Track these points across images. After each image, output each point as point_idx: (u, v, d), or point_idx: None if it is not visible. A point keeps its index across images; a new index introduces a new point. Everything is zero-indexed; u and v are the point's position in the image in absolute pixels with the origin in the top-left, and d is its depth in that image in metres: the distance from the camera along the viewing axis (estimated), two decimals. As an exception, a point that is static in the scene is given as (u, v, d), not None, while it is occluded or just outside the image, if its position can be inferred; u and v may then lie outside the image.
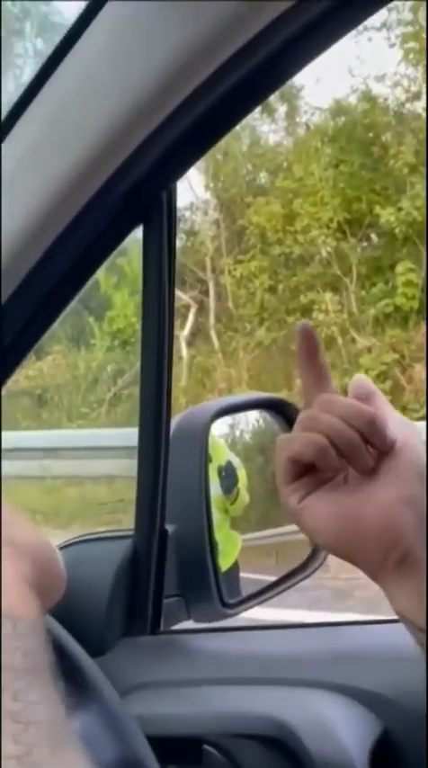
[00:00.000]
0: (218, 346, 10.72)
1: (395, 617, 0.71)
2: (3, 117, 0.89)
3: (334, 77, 11.31)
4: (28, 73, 11.14)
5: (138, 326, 1.12)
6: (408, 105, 10.25)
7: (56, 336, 9.83)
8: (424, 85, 9.85)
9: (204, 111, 0.85)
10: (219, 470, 1.30)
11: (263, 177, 11.44)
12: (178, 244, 1.09)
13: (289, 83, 0.90)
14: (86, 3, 0.80)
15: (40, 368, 10.26)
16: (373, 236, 10.35)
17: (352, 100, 10.59)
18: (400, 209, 9.61)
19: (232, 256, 10.86)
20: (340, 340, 9.77)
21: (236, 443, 1.39)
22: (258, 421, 1.42)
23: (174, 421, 1.18)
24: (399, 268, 9.59)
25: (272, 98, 9.52)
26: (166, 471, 1.13)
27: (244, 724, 1.04)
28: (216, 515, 1.23)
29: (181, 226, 10.52)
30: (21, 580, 0.57)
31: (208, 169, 10.89)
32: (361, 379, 0.77)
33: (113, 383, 10.28)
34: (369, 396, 0.74)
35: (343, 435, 0.69)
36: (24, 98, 0.86)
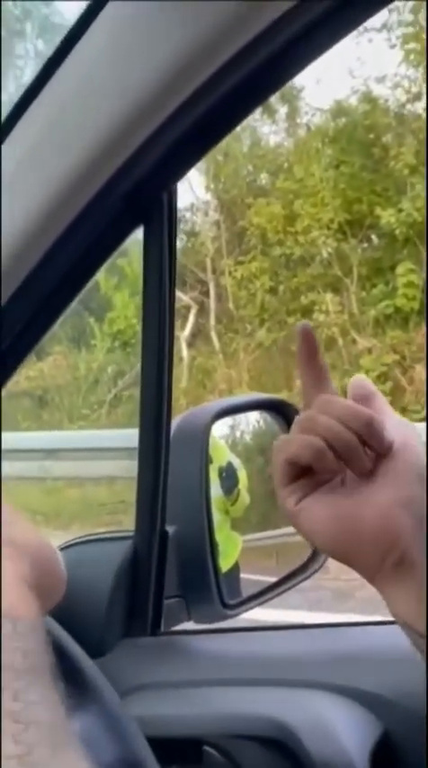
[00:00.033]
0: (218, 347, 10.72)
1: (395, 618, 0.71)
2: (3, 118, 0.89)
3: (334, 78, 11.32)
4: (29, 74, 11.14)
5: (139, 327, 1.12)
6: (409, 106, 10.25)
7: (56, 337, 9.83)
8: (425, 86, 9.86)
9: (205, 112, 0.85)
10: (220, 471, 1.30)
11: (263, 178, 11.44)
12: (178, 245, 1.09)
13: (289, 84, 0.90)
14: (87, 4, 0.80)
15: (41, 369, 10.26)
16: (374, 237, 10.35)
17: (353, 101, 10.60)
18: (401, 211, 9.61)
19: (233, 257, 10.86)
20: (340, 341, 9.77)
21: (237, 444, 1.39)
22: (259, 422, 1.42)
23: (175, 422, 1.18)
24: (400, 269, 9.59)
25: (273, 99, 9.52)
26: (167, 472, 1.13)
27: (244, 725, 1.04)
28: (216, 516, 1.23)
29: (181, 227, 10.52)
30: (20, 580, 0.57)
31: (208, 170, 10.89)
32: (361, 380, 0.77)
33: (114, 384, 10.28)
34: (368, 396, 0.74)
35: (341, 437, 0.69)
36: (25, 99, 0.86)
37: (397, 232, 9.61)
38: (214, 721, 1.06)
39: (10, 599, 0.54)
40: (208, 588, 1.19)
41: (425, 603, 0.67)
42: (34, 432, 9.28)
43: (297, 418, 0.73)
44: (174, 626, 1.20)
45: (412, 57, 9.98)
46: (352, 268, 9.99)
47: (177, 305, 1.10)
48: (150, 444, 1.12)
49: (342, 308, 9.96)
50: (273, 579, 1.32)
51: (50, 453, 7.77)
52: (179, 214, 1.09)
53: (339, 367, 9.59)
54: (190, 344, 10.73)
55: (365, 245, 10.36)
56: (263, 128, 11.31)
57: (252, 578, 1.36)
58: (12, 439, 7.51)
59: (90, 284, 1.02)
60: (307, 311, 10.05)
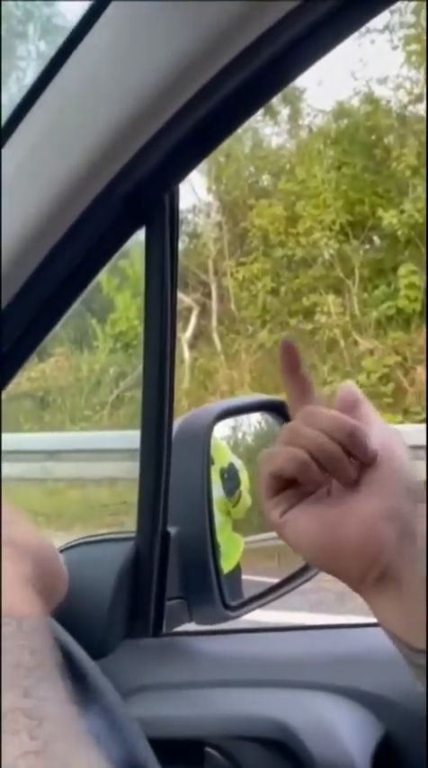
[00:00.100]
0: (220, 348, 10.72)
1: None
2: (5, 120, 0.89)
3: (336, 80, 11.31)
4: (31, 75, 11.15)
5: (140, 329, 1.12)
6: (411, 108, 10.25)
7: (58, 338, 9.84)
8: (426, 88, 9.86)
9: (207, 114, 0.85)
10: (222, 473, 1.30)
11: (265, 179, 11.45)
12: (180, 246, 1.09)
13: (291, 85, 0.90)
14: (89, 5, 0.80)
15: (43, 370, 10.26)
16: (376, 238, 10.35)
17: (355, 102, 10.60)
18: (402, 212, 9.61)
19: (234, 259, 10.86)
20: (342, 342, 9.77)
21: (239, 445, 1.39)
22: (260, 423, 1.42)
23: (177, 423, 1.18)
24: (402, 270, 9.59)
25: (275, 100, 9.53)
26: (169, 473, 1.13)
27: (246, 726, 1.04)
28: (218, 518, 1.23)
29: (183, 228, 10.52)
30: (23, 580, 0.57)
31: (210, 171, 10.89)
32: (349, 386, 0.76)
33: (116, 385, 10.28)
34: (354, 403, 0.74)
35: (325, 449, 0.69)
36: (27, 100, 0.86)
37: (399, 233, 9.61)
38: (216, 722, 1.06)
39: (14, 598, 0.55)
40: (209, 589, 1.19)
41: (426, 616, 0.67)
42: (36, 433, 9.29)
43: (281, 430, 0.73)
44: (176, 627, 1.20)
45: (414, 58, 9.98)
46: (354, 269, 9.99)
47: (179, 306, 1.10)
48: (152, 445, 1.12)
49: (343, 309, 9.96)
50: (275, 581, 1.32)
51: (52, 454, 7.78)
52: (181, 215, 1.09)
53: (341, 368, 9.59)
54: (191, 346, 10.73)
55: (367, 246, 10.36)
56: (265, 129, 11.33)
57: (253, 580, 1.36)
58: (13, 440, 7.52)
59: (92, 285, 1.02)
60: (308, 312, 10.06)
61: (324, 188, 10.21)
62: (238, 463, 1.34)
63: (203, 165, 9.87)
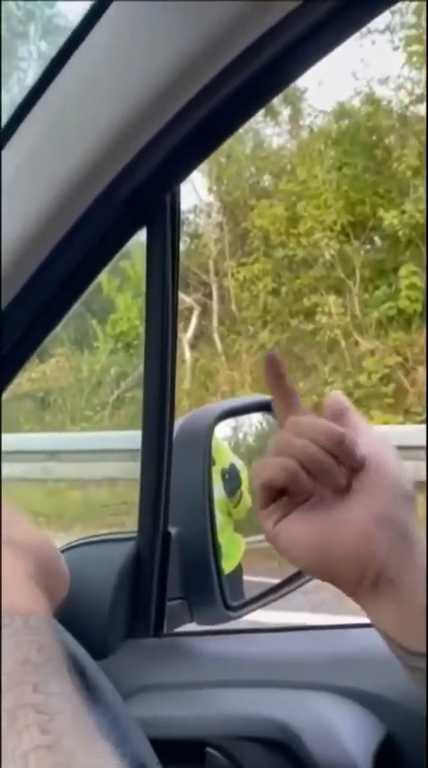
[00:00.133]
0: (221, 349, 10.72)
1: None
2: (6, 120, 0.89)
3: (337, 80, 11.32)
4: (32, 76, 11.16)
5: (142, 329, 1.12)
6: (412, 108, 10.25)
7: (59, 339, 9.84)
8: (426, 89, 9.86)
9: (208, 114, 0.85)
10: (223, 473, 1.30)
11: (266, 180, 11.45)
12: (181, 247, 1.09)
13: (292, 86, 0.90)
14: (90, 5, 0.80)
15: (44, 370, 10.27)
16: (376, 239, 10.35)
17: (356, 103, 10.61)
18: (403, 212, 9.61)
19: (235, 259, 10.86)
20: (343, 343, 9.77)
21: (240, 446, 1.39)
22: (261, 423, 1.42)
23: (178, 423, 1.18)
24: (403, 271, 9.59)
25: (276, 101, 9.53)
26: (169, 474, 1.13)
27: (247, 727, 1.04)
28: (219, 518, 1.23)
29: (184, 228, 10.53)
30: (27, 578, 0.58)
31: (211, 172, 10.90)
32: (336, 395, 0.77)
33: (116, 386, 10.28)
34: (342, 411, 0.75)
35: (314, 457, 0.70)
36: (28, 101, 0.86)
37: (400, 234, 9.61)
38: (217, 723, 1.06)
39: (19, 595, 0.56)
40: (210, 590, 1.19)
41: (426, 621, 0.67)
42: (37, 433, 9.29)
43: (270, 442, 0.74)
44: (177, 627, 1.20)
45: (415, 59, 9.98)
46: (355, 270, 9.99)
47: (180, 307, 1.10)
48: (153, 446, 1.12)
49: (344, 309, 9.96)
50: (276, 581, 1.32)
51: (53, 455, 7.78)
52: (182, 216, 1.09)
53: (342, 369, 9.59)
54: (192, 346, 10.73)
55: (368, 246, 10.37)
56: (266, 130, 11.34)
57: (254, 580, 1.36)
58: (14, 440, 7.52)
59: (93, 286, 1.02)
60: (309, 313, 10.06)
61: (325, 188, 10.22)
62: (239, 464, 1.34)
63: (204, 166, 9.87)
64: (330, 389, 9.26)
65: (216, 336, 10.82)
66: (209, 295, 11.02)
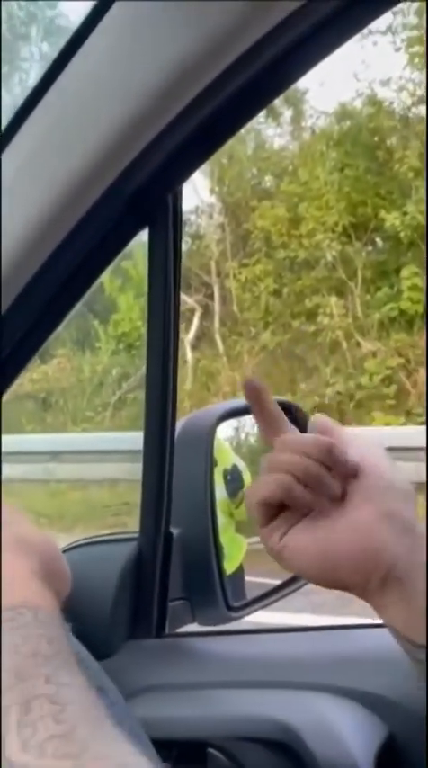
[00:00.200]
0: (222, 350, 10.72)
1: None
2: (8, 121, 0.89)
3: (338, 81, 11.29)
4: (34, 76, 11.16)
5: (143, 330, 1.13)
6: (414, 109, 10.25)
7: (61, 340, 9.85)
8: (426, 90, 9.85)
9: (210, 114, 0.85)
10: (225, 474, 1.30)
11: (268, 181, 11.45)
12: (183, 247, 1.09)
13: (293, 87, 0.90)
14: (92, 5, 0.80)
15: (45, 371, 10.27)
16: (378, 240, 10.35)
17: (358, 104, 10.60)
18: (405, 214, 9.61)
19: (237, 260, 10.86)
20: (345, 344, 9.76)
21: (241, 446, 1.39)
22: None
23: (180, 424, 1.18)
24: (404, 272, 9.59)
25: (277, 102, 9.53)
26: (171, 474, 1.13)
27: (248, 727, 1.04)
28: (221, 519, 1.23)
29: (186, 229, 10.53)
30: (33, 574, 0.59)
31: (213, 173, 10.89)
32: (320, 417, 0.78)
33: (118, 387, 10.28)
34: (329, 429, 0.76)
35: (306, 469, 0.71)
36: (29, 102, 0.86)
37: (402, 235, 9.61)
38: (219, 723, 1.06)
39: (27, 591, 0.57)
40: (212, 590, 1.19)
41: (426, 613, 0.67)
42: (38, 434, 9.29)
43: (261, 462, 0.75)
44: (179, 628, 1.20)
45: (416, 60, 9.98)
46: (357, 271, 9.99)
47: (181, 308, 1.10)
48: (155, 446, 1.12)
49: (346, 311, 9.96)
50: (277, 582, 1.32)
51: (54, 456, 7.78)
52: (183, 217, 1.09)
53: (343, 370, 9.59)
54: (194, 347, 10.73)
55: (369, 248, 10.37)
56: (268, 131, 11.34)
57: (256, 581, 1.36)
58: (16, 441, 7.52)
59: (94, 286, 1.02)
60: (311, 314, 10.06)
61: (326, 190, 10.21)
62: (241, 464, 1.34)
63: (206, 167, 9.88)
64: (331, 391, 9.27)
65: (217, 337, 10.82)
66: (211, 296, 11.02)
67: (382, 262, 10.11)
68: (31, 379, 9.79)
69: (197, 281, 10.97)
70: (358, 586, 0.70)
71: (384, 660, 1.08)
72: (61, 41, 0.83)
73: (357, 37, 0.84)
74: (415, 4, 8.80)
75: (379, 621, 0.73)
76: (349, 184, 10.24)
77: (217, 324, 10.89)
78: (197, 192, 10.80)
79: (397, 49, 10.09)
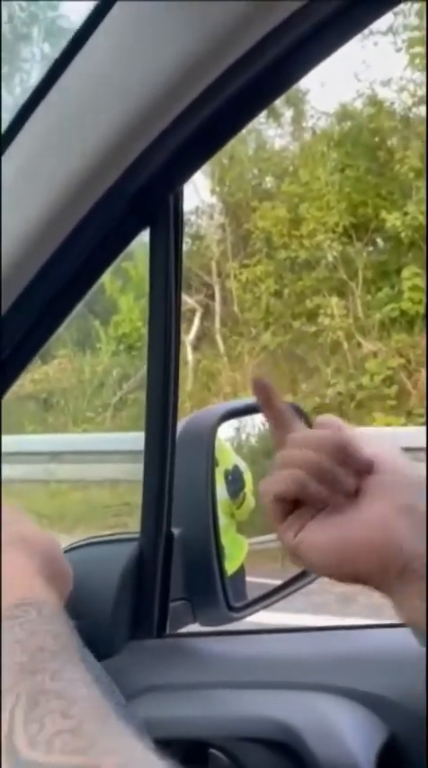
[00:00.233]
0: (223, 350, 10.72)
1: (399, 621, 0.71)
2: (9, 121, 0.89)
3: (339, 82, 11.29)
4: (35, 77, 11.17)
5: (144, 331, 1.13)
6: (414, 110, 10.25)
7: (61, 340, 9.85)
8: (426, 91, 9.85)
9: (211, 115, 0.85)
10: (226, 474, 1.30)
11: (268, 181, 11.45)
12: (184, 248, 1.09)
13: (294, 87, 0.90)
14: (93, 5, 0.80)
15: (46, 372, 10.27)
16: (379, 240, 10.35)
17: (358, 104, 10.61)
18: (406, 214, 9.61)
19: (238, 260, 10.86)
20: (346, 345, 9.77)
21: (242, 447, 1.39)
22: (264, 424, 1.42)
23: (181, 424, 1.18)
24: (405, 273, 9.59)
25: (278, 102, 9.53)
26: (173, 475, 1.13)
27: (250, 728, 1.04)
28: (222, 519, 1.23)
29: (186, 230, 10.53)
30: (37, 572, 0.59)
31: (213, 173, 10.90)
32: (326, 416, 0.78)
33: (119, 387, 10.29)
34: (337, 428, 0.75)
35: (320, 465, 0.71)
36: (31, 102, 0.86)
37: (403, 235, 9.61)
38: (220, 723, 1.06)
39: (31, 587, 0.58)
40: (213, 591, 1.19)
41: (427, 615, 0.67)
42: (39, 435, 9.30)
43: (274, 459, 0.75)
44: (180, 628, 1.20)
45: (417, 60, 9.98)
46: (358, 271, 9.99)
47: (182, 308, 1.11)
48: (156, 446, 1.12)
49: (347, 311, 9.96)
50: (278, 582, 1.32)
51: (55, 456, 7.79)
52: (184, 217, 1.09)
53: (344, 371, 9.59)
54: (195, 348, 10.74)
55: (370, 248, 10.37)
56: (269, 131, 11.34)
57: (257, 581, 1.36)
58: (17, 442, 7.53)
59: (95, 287, 1.02)
60: (312, 315, 10.06)
61: (327, 190, 10.22)
62: (242, 465, 1.34)
63: (206, 167, 9.88)
64: (332, 391, 9.26)
65: (218, 338, 10.83)
66: (212, 296, 11.02)
67: (383, 262, 10.11)
68: (32, 379, 9.80)
69: (198, 281, 10.97)
70: (375, 580, 0.70)
71: (385, 660, 1.08)
72: (62, 42, 0.83)
73: (358, 37, 0.84)
74: (416, 5, 8.81)
75: (380, 622, 0.73)
76: (350, 185, 10.24)
77: (217, 324, 10.89)
78: (198, 192, 10.82)
79: (398, 50, 10.10)
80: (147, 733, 0.81)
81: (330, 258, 10.20)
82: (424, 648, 0.70)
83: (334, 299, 9.96)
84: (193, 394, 9.90)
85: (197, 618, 1.22)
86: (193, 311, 10.75)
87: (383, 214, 9.83)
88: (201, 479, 1.19)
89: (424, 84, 9.97)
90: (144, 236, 1.03)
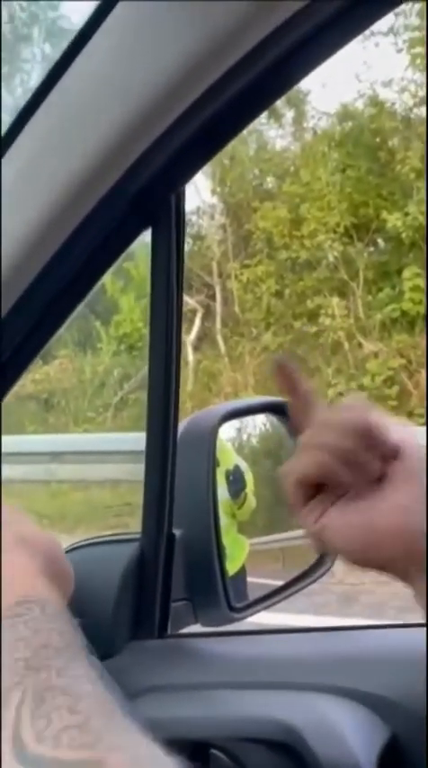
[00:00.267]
0: (224, 351, 10.72)
1: (400, 621, 0.71)
2: (10, 122, 0.89)
3: (340, 82, 11.27)
4: (35, 78, 11.18)
5: (145, 331, 1.13)
6: (415, 110, 10.25)
7: (62, 341, 9.85)
8: (426, 92, 9.86)
9: (213, 115, 0.85)
10: (227, 474, 1.31)
11: (269, 182, 11.45)
12: (185, 248, 1.09)
13: (295, 88, 0.90)
14: (94, 5, 0.80)
15: (47, 372, 10.27)
16: (380, 240, 10.35)
17: (359, 105, 10.60)
18: (407, 214, 9.61)
19: (238, 261, 10.86)
20: (346, 345, 9.76)
21: (243, 447, 1.39)
22: (265, 425, 1.42)
23: (182, 425, 1.18)
24: (406, 273, 9.58)
25: (279, 103, 9.53)
26: (174, 475, 1.13)
27: (251, 728, 1.04)
28: (223, 519, 1.23)
29: (187, 230, 10.51)
30: (39, 571, 0.59)
31: (214, 174, 10.89)
32: (353, 399, 0.77)
33: (120, 387, 10.29)
34: (364, 411, 0.74)
35: (345, 449, 0.69)
36: (32, 102, 0.86)
37: (404, 236, 9.61)
38: (221, 724, 1.06)
39: (34, 586, 0.58)
40: (214, 591, 1.19)
41: (426, 594, 0.67)
42: (40, 435, 9.30)
43: (298, 441, 0.73)
44: (181, 629, 1.20)
45: (418, 61, 9.98)
46: (359, 272, 9.99)
47: (183, 308, 1.10)
48: (157, 447, 1.12)
49: (348, 311, 9.96)
50: (280, 583, 1.32)
51: (56, 456, 7.78)
52: (185, 217, 1.09)
53: (345, 371, 9.59)
54: (196, 348, 10.74)
55: (371, 248, 10.36)
56: (270, 131, 11.34)
57: (258, 582, 1.36)
58: (17, 442, 7.53)
59: (96, 287, 1.02)
60: (312, 315, 10.06)
61: (328, 190, 10.21)
62: (244, 465, 1.34)
63: (207, 168, 9.88)
64: (333, 392, 9.26)
65: (219, 338, 10.83)
66: (213, 297, 11.02)
67: (384, 262, 10.11)
68: (33, 379, 9.80)
69: (198, 281, 10.97)
70: (399, 567, 0.69)
71: (386, 661, 1.08)
72: (63, 43, 0.83)
73: (359, 38, 0.84)
74: (417, 6, 8.81)
75: (381, 622, 0.73)
76: (351, 185, 10.24)
77: (218, 325, 10.89)
78: (199, 192, 10.81)
79: (399, 51, 10.10)
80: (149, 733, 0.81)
81: (331, 258, 10.20)
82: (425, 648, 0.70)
83: (335, 300, 9.96)
84: (194, 394, 9.90)
85: (198, 618, 1.22)
86: (194, 312, 10.75)
87: (384, 214, 9.83)
88: (203, 480, 1.19)
89: (424, 85, 9.97)
90: (144, 237, 1.03)
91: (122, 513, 6.53)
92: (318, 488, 0.72)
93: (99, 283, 1.02)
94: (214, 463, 1.20)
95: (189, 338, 10.45)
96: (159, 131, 0.84)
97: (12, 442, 6.91)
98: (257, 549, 1.37)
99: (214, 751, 1.04)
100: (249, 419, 1.40)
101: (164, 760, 0.46)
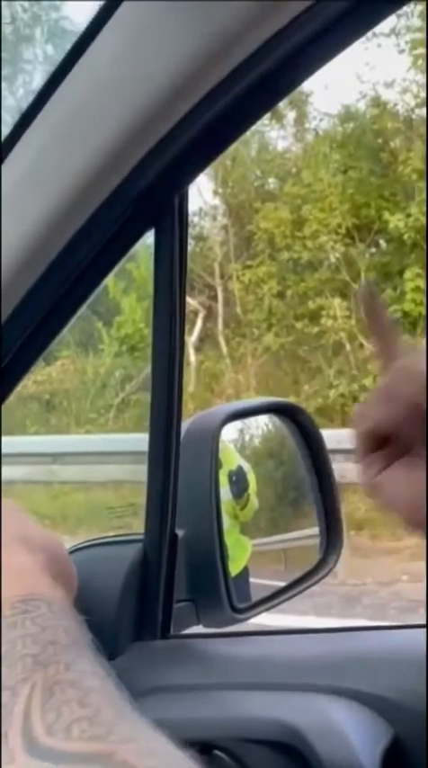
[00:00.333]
0: (226, 352, 10.71)
1: (402, 623, 0.71)
2: (13, 123, 0.89)
3: (342, 83, 11.27)
4: (38, 79, 11.18)
5: (147, 332, 1.13)
6: (417, 111, 10.24)
7: (64, 342, 9.84)
8: (426, 92, 9.85)
9: (215, 116, 0.85)
10: (230, 475, 1.31)
11: (271, 183, 11.44)
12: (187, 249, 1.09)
13: (297, 89, 0.90)
14: (98, 6, 0.80)
15: (49, 373, 10.27)
16: (382, 241, 10.34)
17: (361, 106, 10.60)
18: (409, 216, 9.60)
19: (240, 262, 10.86)
20: (348, 346, 9.76)
21: (246, 448, 1.39)
22: (267, 425, 1.42)
23: (185, 426, 1.18)
24: (408, 274, 9.58)
25: (281, 104, 9.53)
26: (177, 476, 1.13)
27: (254, 729, 1.04)
28: (226, 520, 1.23)
29: (189, 231, 10.52)
30: (43, 570, 0.59)
31: (216, 175, 10.89)
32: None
33: (121, 388, 10.28)
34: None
35: (422, 406, 0.66)
36: (35, 104, 0.86)
37: (405, 237, 9.60)
38: (224, 725, 1.06)
39: (39, 583, 0.58)
40: (217, 592, 1.19)
41: (426, 614, 0.66)
42: (42, 436, 9.29)
43: (377, 385, 0.70)
44: (184, 629, 1.20)
45: (420, 62, 9.97)
46: (360, 273, 9.98)
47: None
48: (160, 448, 1.12)
49: (349, 312, 9.95)
50: (282, 584, 1.32)
51: (58, 457, 7.77)
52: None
53: (347, 372, 9.58)
54: (197, 349, 10.73)
55: (373, 249, 10.35)
56: (271, 133, 11.33)
57: (261, 583, 1.36)
58: (19, 443, 7.53)
59: (98, 288, 1.02)
60: (314, 316, 10.05)
61: (330, 191, 10.21)
62: (246, 466, 1.34)
63: (209, 169, 9.87)
64: (335, 392, 9.25)
65: (221, 339, 10.82)
66: (214, 298, 11.01)
67: (385, 263, 10.10)
68: (34, 380, 9.79)
69: (200, 282, 10.97)
70: None
71: (389, 662, 1.08)
72: (66, 44, 0.84)
73: (361, 39, 0.84)
74: (419, 7, 8.81)
75: (384, 623, 0.72)
76: (352, 186, 10.23)
77: (220, 325, 10.88)
78: (200, 193, 10.81)
79: (401, 52, 10.09)
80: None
81: (333, 259, 10.19)
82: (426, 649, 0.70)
83: (337, 301, 9.95)
84: (196, 395, 9.90)
85: (201, 619, 1.22)
86: (196, 312, 10.75)
87: (386, 215, 9.82)
88: (205, 481, 1.19)
89: (426, 86, 9.97)
90: (146, 238, 1.03)
91: (125, 514, 6.53)
92: (384, 440, 0.69)
93: (101, 284, 1.02)
94: (217, 464, 1.20)
95: (190, 339, 10.45)
96: (162, 133, 0.84)
97: (13, 442, 6.91)
98: (260, 549, 1.37)
99: (217, 752, 1.04)
100: (251, 420, 1.40)
101: (176, 753, 0.46)
